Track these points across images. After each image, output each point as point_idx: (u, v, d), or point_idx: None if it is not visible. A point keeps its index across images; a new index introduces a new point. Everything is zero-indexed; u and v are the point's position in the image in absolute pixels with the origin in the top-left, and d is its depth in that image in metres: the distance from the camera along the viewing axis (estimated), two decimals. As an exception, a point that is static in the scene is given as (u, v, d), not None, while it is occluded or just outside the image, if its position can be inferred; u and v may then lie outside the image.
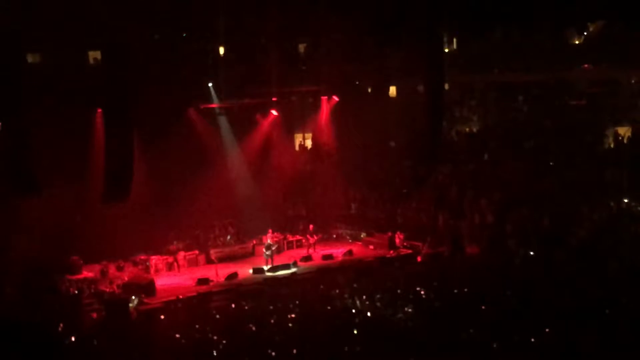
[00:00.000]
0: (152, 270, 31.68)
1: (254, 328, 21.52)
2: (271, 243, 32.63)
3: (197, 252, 33.38)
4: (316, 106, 39.22)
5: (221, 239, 34.58)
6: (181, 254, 32.82)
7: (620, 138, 37.19)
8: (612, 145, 37.09)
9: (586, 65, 38.84)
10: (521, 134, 38.65)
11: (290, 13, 33.33)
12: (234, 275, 30.47)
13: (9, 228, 29.03)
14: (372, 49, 35.92)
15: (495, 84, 41.60)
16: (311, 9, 32.55)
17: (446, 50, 39.47)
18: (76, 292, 28.06)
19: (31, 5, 26.31)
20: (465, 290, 24.28)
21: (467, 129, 42.15)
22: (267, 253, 32.02)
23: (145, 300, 27.23)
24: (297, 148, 42.27)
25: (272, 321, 22.18)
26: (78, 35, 29.55)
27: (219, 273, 30.42)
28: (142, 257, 32.44)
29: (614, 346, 18.18)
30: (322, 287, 27.07)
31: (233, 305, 25.11)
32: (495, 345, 18.53)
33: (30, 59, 31.71)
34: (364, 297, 24.05)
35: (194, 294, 28.02)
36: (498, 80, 41.13)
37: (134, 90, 26.53)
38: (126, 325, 24.42)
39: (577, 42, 40.18)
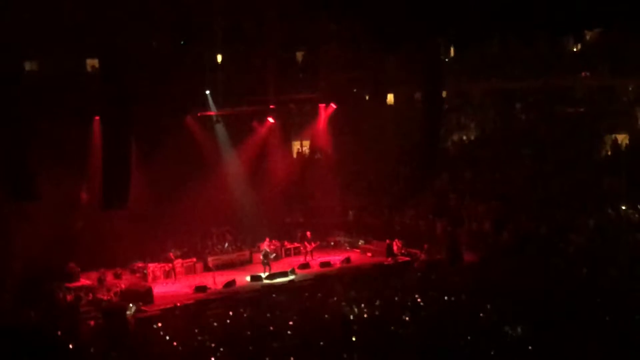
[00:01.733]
0: (149, 278, 31.62)
1: (251, 336, 21.50)
2: (268, 250, 32.61)
3: (194, 259, 33.37)
4: (314, 114, 39.27)
5: (219, 246, 34.56)
6: (179, 261, 32.78)
7: (618, 145, 37.25)
8: (609, 153, 37.14)
9: (584, 73, 38.94)
10: (519, 141, 38.69)
11: (288, 21, 33.37)
12: (231, 282, 30.45)
13: (7, 235, 28.98)
14: (369, 56, 35.95)
15: (493, 92, 41.67)
16: (309, 17, 32.58)
17: (444, 57, 39.53)
18: (73, 299, 27.99)
19: (29, 13, 26.32)
20: (463, 297, 24.27)
21: (465, 137, 42.19)
22: (264, 260, 32.00)
23: (143, 308, 27.19)
24: (294, 155, 42.31)
25: (270, 329, 22.15)
26: (76, 43, 29.57)
27: (216, 280, 30.38)
28: (140, 265, 32.40)
29: (613, 353, 18.17)
30: (319, 294, 27.05)
31: (231, 313, 25.04)
32: (493, 353, 18.51)
33: (28, 66, 31.73)
34: (362, 304, 24.04)
35: (192, 301, 27.98)
36: (496, 87, 41.20)
37: (132, 97, 26.52)
38: (124, 333, 24.36)
39: (574, 50, 40.27)
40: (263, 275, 31.42)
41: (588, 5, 34.52)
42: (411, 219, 36.72)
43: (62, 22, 27.41)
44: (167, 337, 22.13)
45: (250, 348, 19.99)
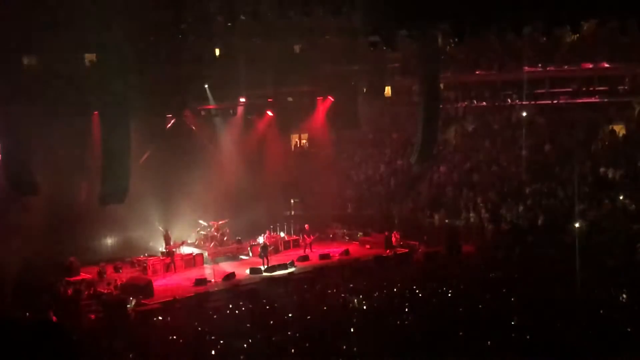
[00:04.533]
0: (149, 271, 31.68)
1: (251, 328, 21.63)
2: (267, 243, 32.72)
3: (194, 252, 33.45)
4: (312, 106, 39.30)
5: (218, 239, 34.64)
6: (178, 254, 32.87)
7: (615, 135, 37.35)
8: (606, 143, 37.22)
9: (580, 64, 39.02)
10: (516, 133, 38.79)
11: (285, 14, 33.36)
12: (231, 275, 30.56)
13: (7, 230, 29.05)
14: (367, 49, 35.98)
15: (490, 83, 41.73)
16: (307, 10, 32.56)
17: (441, 49, 39.53)
18: (74, 293, 28.08)
19: (27, 7, 26.34)
20: (462, 288, 24.43)
21: (463, 128, 42.24)
22: (262, 253, 32.09)
23: (143, 301, 27.26)
24: (293, 148, 42.39)
25: (270, 321, 22.28)
26: (74, 38, 29.57)
27: (216, 273, 30.51)
28: (140, 258, 32.49)
29: (610, 344, 18.31)
30: (319, 286, 27.21)
31: (230, 306, 25.20)
32: (490, 343, 18.64)
33: (26, 61, 31.74)
34: (361, 296, 24.19)
35: (192, 294, 28.12)
36: (493, 79, 41.29)
37: (130, 92, 26.55)
38: (124, 327, 24.49)
39: (571, 40, 40.30)
40: (262, 267, 31.53)
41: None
42: (409, 211, 36.87)
43: (60, 17, 27.38)
44: (168, 330, 22.29)
45: (250, 340, 20.13)
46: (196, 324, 22.88)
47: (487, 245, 31.94)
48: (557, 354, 18.19)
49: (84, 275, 30.58)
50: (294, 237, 35.97)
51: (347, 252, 33.81)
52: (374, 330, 20.48)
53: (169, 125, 34.33)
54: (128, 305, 26.53)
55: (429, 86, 31.59)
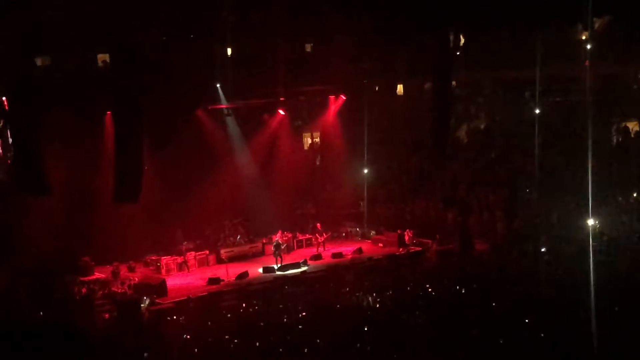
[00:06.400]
0: (163, 271, 31.81)
1: (264, 327, 21.68)
2: (280, 242, 32.77)
3: (207, 252, 33.52)
4: (324, 105, 39.32)
5: (231, 238, 34.71)
6: (192, 254, 32.94)
7: (628, 132, 37.19)
8: (620, 140, 37.07)
9: (590, 61, 38.83)
10: (529, 130, 38.68)
11: (297, 13, 33.39)
12: (244, 274, 30.63)
13: (21, 230, 29.18)
14: (379, 47, 35.96)
15: (502, 81, 41.60)
16: (318, 9, 32.59)
17: (453, 47, 39.45)
18: (88, 293, 28.20)
19: (40, 8, 26.44)
20: (475, 286, 24.40)
21: (475, 126, 42.16)
22: (276, 252, 32.14)
23: (157, 301, 27.37)
24: (305, 147, 42.41)
25: (283, 320, 22.33)
26: (87, 39, 29.68)
27: (229, 272, 30.58)
28: (153, 258, 32.63)
29: (620, 345, 18.26)
30: (331, 285, 27.24)
31: (244, 305, 25.29)
32: (504, 342, 18.63)
33: (39, 62, 31.89)
34: (374, 294, 24.21)
35: (205, 293, 28.17)
36: (505, 77, 41.14)
37: (143, 92, 26.60)
38: (138, 326, 24.58)
39: (583, 38, 40.15)
40: (275, 266, 31.60)
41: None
42: (422, 209, 36.81)
43: (73, 17, 27.47)
44: (181, 329, 22.36)
45: (263, 339, 20.17)
46: (209, 323, 22.96)
47: (501, 243, 31.84)
48: (570, 353, 18.16)
49: (97, 274, 30.72)
50: (307, 235, 35.98)
51: (360, 250, 33.83)
52: (388, 329, 20.50)
53: (181, 124, 34.33)
54: (142, 305, 26.63)
55: (441, 84, 31.53)
